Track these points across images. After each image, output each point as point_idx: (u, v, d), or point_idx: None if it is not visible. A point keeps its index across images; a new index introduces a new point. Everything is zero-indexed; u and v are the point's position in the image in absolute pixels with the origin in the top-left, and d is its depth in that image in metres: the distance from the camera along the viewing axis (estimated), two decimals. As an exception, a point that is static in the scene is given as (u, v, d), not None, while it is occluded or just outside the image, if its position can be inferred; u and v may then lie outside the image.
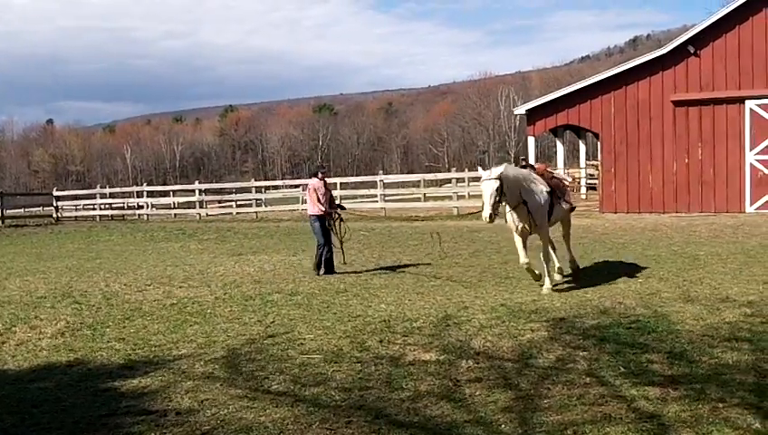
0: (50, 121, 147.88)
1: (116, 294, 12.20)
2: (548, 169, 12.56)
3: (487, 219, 10.12)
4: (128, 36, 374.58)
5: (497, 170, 10.33)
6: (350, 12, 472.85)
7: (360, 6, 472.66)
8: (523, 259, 11.13)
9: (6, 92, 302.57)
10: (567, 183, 13.51)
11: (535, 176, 11.38)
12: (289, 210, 32.76)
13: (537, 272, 11.26)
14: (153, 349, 8.38)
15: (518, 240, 11.33)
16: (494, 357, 7.46)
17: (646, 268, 12.80)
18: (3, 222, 34.55)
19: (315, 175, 14.53)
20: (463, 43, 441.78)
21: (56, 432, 5.80)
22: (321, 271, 13.69)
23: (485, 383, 6.59)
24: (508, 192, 10.44)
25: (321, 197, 14.02)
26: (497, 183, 10.16)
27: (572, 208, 12.85)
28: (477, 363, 7.23)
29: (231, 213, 35.12)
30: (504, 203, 10.59)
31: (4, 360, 8.21)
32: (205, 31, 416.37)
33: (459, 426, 5.59)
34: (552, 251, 12.05)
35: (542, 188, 11.20)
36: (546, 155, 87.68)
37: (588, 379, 6.59)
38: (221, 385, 6.83)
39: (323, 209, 13.99)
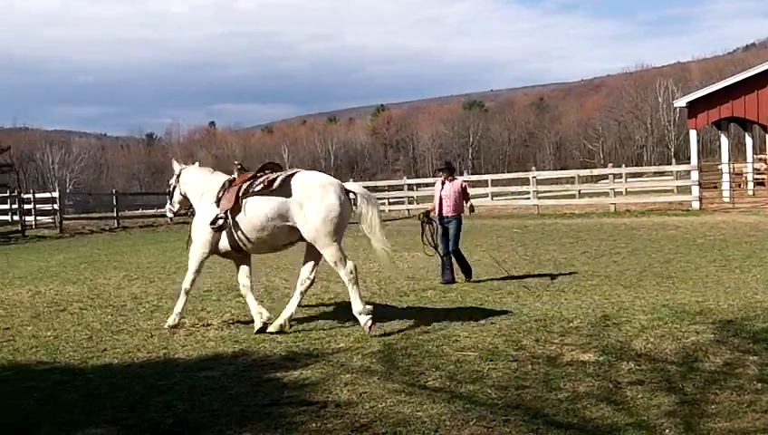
0: (212, 123, 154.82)
1: (277, 289, 12.65)
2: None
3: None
4: (275, 40, 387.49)
5: None
6: (493, 7, 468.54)
7: (503, 2, 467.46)
8: None
9: (169, 97, 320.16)
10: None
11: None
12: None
13: None
14: (312, 342, 8.63)
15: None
16: (657, 359, 7.21)
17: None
18: (171, 219, 36.42)
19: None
20: (614, 35, 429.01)
21: (224, 419, 6.07)
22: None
23: (648, 386, 6.38)
24: None
25: (440, 197, 13.25)
26: None
27: None
28: (639, 365, 7.01)
29: (384, 210, 35.61)
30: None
31: (174, 349, 8.67)
32: (348, 33, 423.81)
33: (620, 429, 5.43)
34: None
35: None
36: (709, 149, 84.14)
37: (759, 385, 6.25)
38: (378, 379, 6.95)
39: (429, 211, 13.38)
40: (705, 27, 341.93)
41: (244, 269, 9.91)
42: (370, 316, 8.88)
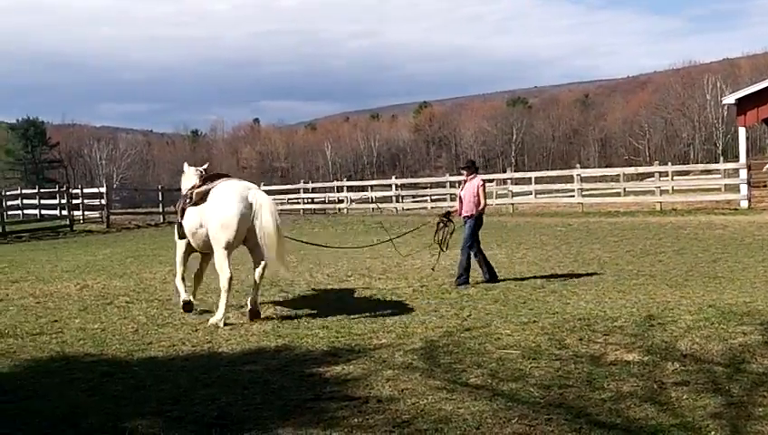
0: (256, 120, 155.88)
1: (319, 284, 12.71)
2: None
3: None
4: (317, 38, 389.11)
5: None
6: (536, 3, 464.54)
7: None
8: None
9: (214, 94, 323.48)
10: None
11: None
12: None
13: None
14: (354, 337, 8.66)
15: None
16: (703, 360, 7.11)
17: None
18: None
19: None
20: (661, 31, 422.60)
21: (266, 413, 6.12)
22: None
23: (693, 387, 6.29)
24: None
25: (459, 197, 13.11)
26: None
27: None
28: (684, 366, 6.91)
29: (426, 207, 35.59)
30: None
31: (219, 343, 8.77)
32: (390, 30, 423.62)
33: (665, 430, 5.37)
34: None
35: None
36: (758, 147, 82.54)
37: (808, 387, 6.14)
38: (420, 375, 6.95)
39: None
40: (755, 23, 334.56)
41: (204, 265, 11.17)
42: (221, 320, 9.64)
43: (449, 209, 13.50)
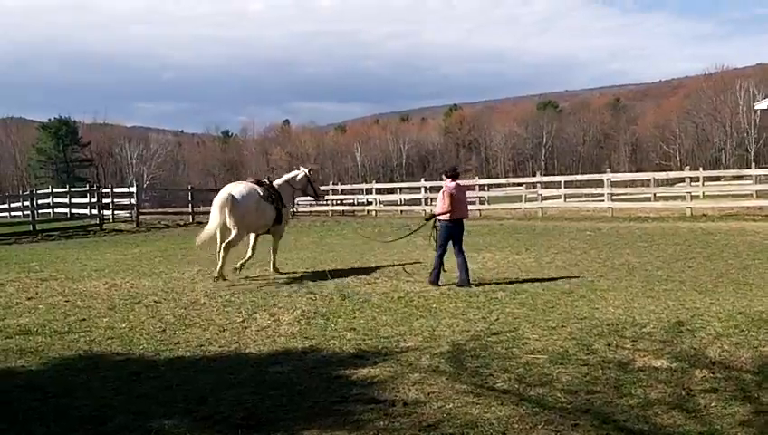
0: (286, 121, 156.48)
1: (347, 286, 12.73)
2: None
3: None
4: (354, 39, 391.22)
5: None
6: (573, 6, 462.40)
7: (583, 0, 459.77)
8: None
9: (246, 94, 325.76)
10: None
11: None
12: (512, 208, 32.61)
13: None
14: (381, 340, 8.66)
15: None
16: (732, 368, 7.03)
17: None
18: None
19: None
20: (695, 35, 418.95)
21: (292, 415, 6.14)
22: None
23: (722, 395, 6.23)
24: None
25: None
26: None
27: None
28: (713, 373, 6.84)
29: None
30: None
31: (246, 344, 8.81)
32: (426, 31, 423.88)
33: (693, 438, 5.32)
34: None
35: None
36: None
37: (841, 397, 6.04)
38: (446, 379, 6.94)
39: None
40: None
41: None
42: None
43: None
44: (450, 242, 12.86)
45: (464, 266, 12.59)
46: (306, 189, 16.03)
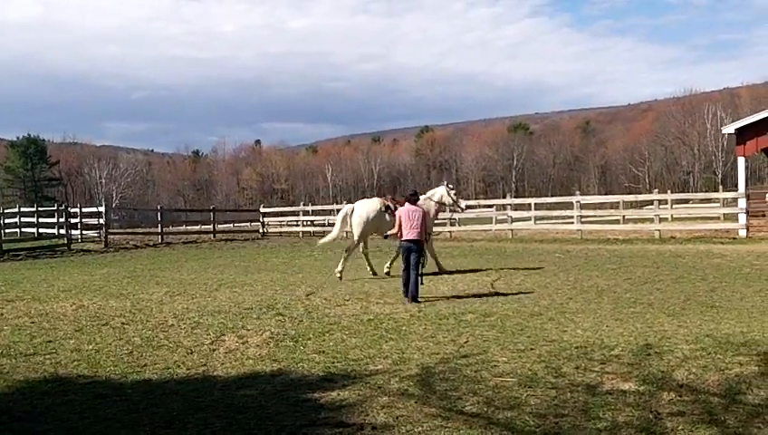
0: (258, 142, 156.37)
1: (317, 308, 12.68)
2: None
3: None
4: (325, 61, 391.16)
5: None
6: (543, 30, 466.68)
7: (554, 25, 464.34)
8: None
9: (217, 115, 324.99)
10: None
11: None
12: (482, 230, 32.73)
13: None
14: (350, 363, 8.62)
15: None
16: (699, 391, 7.07)
17: None
18: (214, 236, 36.96)
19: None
20: (663, 60, 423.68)
21: (260, 439, 6.09)
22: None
23: (689, 418, 6.26)
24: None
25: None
26: None
27: None
28: (680, 396, 6.88)
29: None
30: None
31: (214, 366, 8.74)
32: (398, 54, 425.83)
33: (660, 461, 5.34)
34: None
35: None
36: (758, 176, 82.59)
37: (805, 420, 6.10)
38: (415, 402, 6.91)
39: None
40: (756, 53, 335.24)
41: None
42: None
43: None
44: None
45: (414, 283, 13.25)
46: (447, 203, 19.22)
